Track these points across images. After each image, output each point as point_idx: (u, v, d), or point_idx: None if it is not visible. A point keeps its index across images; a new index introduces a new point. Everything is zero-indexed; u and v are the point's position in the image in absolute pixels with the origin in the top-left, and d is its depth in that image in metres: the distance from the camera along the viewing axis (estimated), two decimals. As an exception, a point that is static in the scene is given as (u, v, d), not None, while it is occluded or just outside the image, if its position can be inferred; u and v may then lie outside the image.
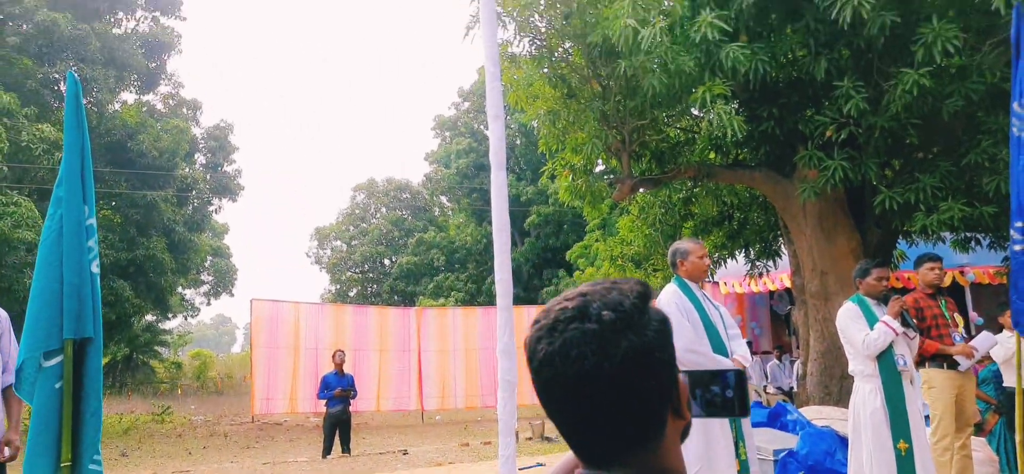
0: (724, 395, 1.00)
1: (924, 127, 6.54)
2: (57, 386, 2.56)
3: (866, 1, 5.44)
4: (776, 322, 15.42)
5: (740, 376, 1.00)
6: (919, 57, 5.60)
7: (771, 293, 13.93)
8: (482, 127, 31.91)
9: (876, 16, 5.64)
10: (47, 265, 2.51)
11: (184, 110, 23.14)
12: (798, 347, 11.07)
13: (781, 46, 6.62)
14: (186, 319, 33.56)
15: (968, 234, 7.39)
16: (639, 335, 0.82)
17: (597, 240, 20.71)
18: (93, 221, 2.57)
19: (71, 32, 17.77)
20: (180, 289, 26.91)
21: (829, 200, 7.44)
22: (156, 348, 29.82)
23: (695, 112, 8.52)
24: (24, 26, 18.26)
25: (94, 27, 18.67)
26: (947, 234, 7.25)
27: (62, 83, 18.73)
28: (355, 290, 35.68)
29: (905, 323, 4.45)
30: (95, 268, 2.58)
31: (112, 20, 20.49)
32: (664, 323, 0.86)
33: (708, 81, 6.35)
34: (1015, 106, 3.33)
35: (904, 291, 7.11)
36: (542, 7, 7.80)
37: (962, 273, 10.40)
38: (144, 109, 21.65)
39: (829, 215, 7.61)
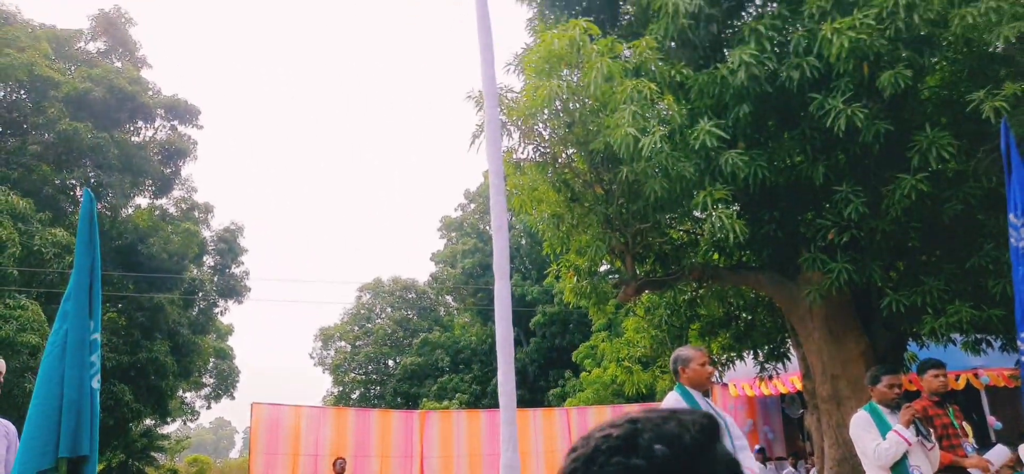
0: None
1: (925, 230, 6.59)
2: (48, 507, 2.49)
3: (859, 111, 5.62)
4: (789, 426, 14.98)
5: None
6: (914, 163, 5.72)
7: (782, 396, 13.61)
8: (487, 228, 32.28)
9: (870, 124, 5.80)
10: (48, 381, 2.50)
11: (196, 213, 23.60)
12: (812, 454, 10.71)
13: (779, 152, 6.78)
14: (185, 423, 32.90)
15: (978, 336, 7.30)
16: None
17: (603, 340, 20.49)
18: (97, 336, 2.58)
19: (91, 140, 18.41)
20: (181, 392, 26.54)
21: (836, 303, 7.40)
22: (153, 454, 29.07)
23: (697, 214, 8.64)
24: (46, 135, 18.95)
25: (113, 135, 19.36)
26: (957, 336, 7.16)
27: (78, 189, 19.23)
28: (358, 392, 35.09)
29: (919, 432, 4.33)
30: (96, 383, 2.57)
31: (131, 128, 21.28)
32: (734, 468, 0.71)
33: (708, 186, 6.48)
34: (1011, 218, 3.38)
35: (918, 395, 6.95)
36: (545, 117, 8.06)
37: (976, 375, 10.17)
38: (157, 213, 22.11)
39: (837, 318, 7.55)
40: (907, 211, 6.13)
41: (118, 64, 21.98)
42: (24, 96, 19.33)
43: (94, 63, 21.34)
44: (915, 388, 9.42)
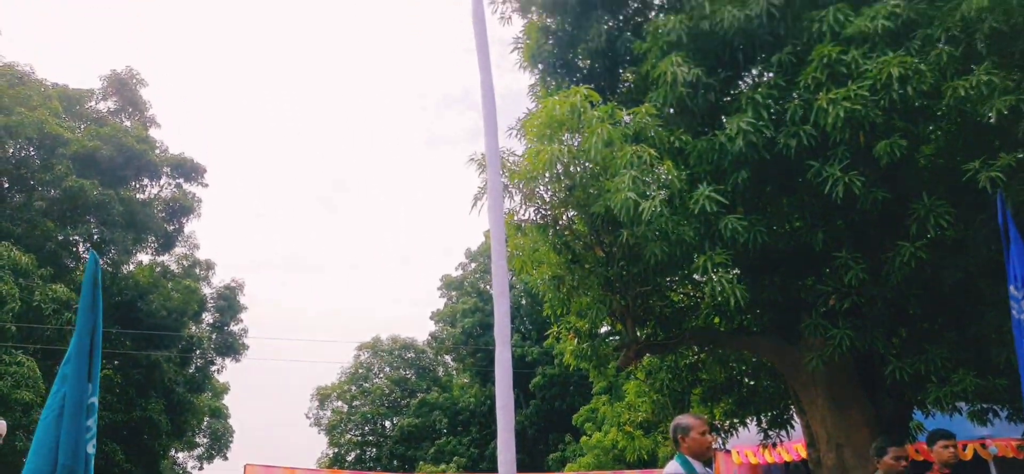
0: None
1: (926, 297, 6.59)
2: None
3: (856, 179, 5.69)
4: (795, 495, 14.60)
5: None
6: (913, 231, 5.76)
7: (787, 464, 13.32)
8: (488, 287, 32.25)
9: (867, 192, 5.87)
10: (43, 445, 2.47)
11: (197, 270, 23.64)
12: (820, 524, 10.40)
13: (778, 217, 6.84)
14: (176, 485, 32.14)
15: (984, 405, 7.21)
16: None
17: (604, 404, 20.21)
18: (95, 400, 2.56)
19: (97, 197, 18.60)
20: (173, 452, 26.03)
21: (838, 369, 7.33)
22: (142, 517, 28.29)
23: (698, 278, 8.64)
24: (52, 191, 19.14)
25: (119, 192, 19.56)
26: (962, 405, 7.07)
27: (81, 245, 19.32)
28: (354, 454, 34.40)
29: (929, 506, 4.24)
30: (91, 448, 2.53)
31: (137, 185, 21.51)
32: None
33: (708, 250, 6.51)
34: (1011, 290, 3.40)
35: (926, 464, 6.81)
36: (547, 179, 8.16)
37: (984, 446, 9.97)
38: (158, 269, 22.15)
39: (840, 385, 7.47)
40: (907, 278, 6.14)
41: (127, 123, 22.38)
42: (32, 153, 19.61)
43: (104, 121, 21.73)
44: (921, 459, 9.24)
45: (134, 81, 22.70)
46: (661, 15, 8.26)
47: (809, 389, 7.64)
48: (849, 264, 6.19)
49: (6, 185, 19.76)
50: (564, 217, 8.48)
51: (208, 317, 24.59)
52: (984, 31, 5.45)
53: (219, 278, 24.56)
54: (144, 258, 22.17)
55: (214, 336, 23.92)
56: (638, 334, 8.24)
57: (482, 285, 32.69)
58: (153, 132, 22.57)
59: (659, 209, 6.26)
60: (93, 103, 22.33)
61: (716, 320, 8.99)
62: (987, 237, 6.05)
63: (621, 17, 9.10)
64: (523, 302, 30.09)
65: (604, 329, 9.79)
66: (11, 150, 19.25)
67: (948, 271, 6.13)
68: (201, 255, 24.33)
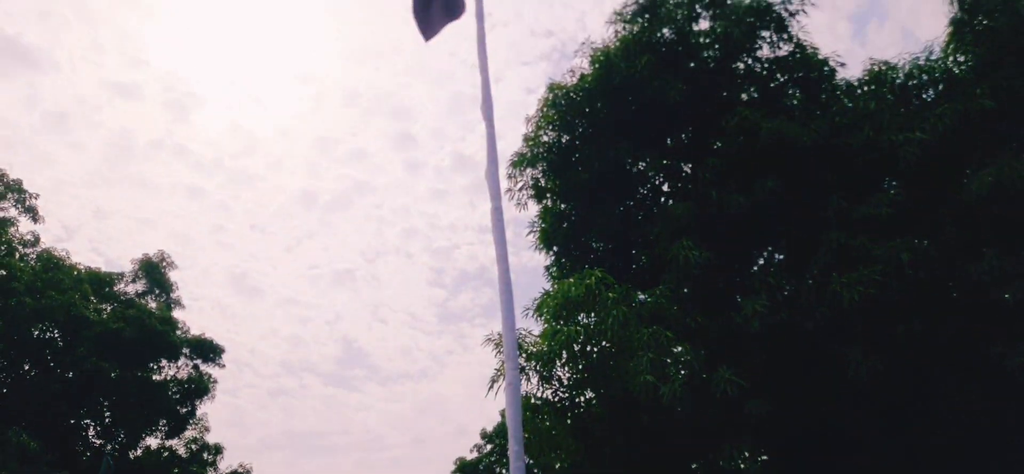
0: None
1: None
2: None
3: (879, 363, 5.60)
4: None
5: None
6: (948, 420, 5.56)
7: None
8: (504, 471, 30.82)
9: (891, 374, 5.75)
10: None
11: (205, 455, 22.98)
12: None
13: (802, 400, 6.66)
14: None
15: None
16: None
17: None
18: None
19: (114, 379, 18.60)
20: None
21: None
22: None
23: (723, 463, 8.25)
24: (70, 373, 19.22)
25: (136, 374, 19.57)
26: None
27: (92, 428, 19.02)
28: None
29: None
30: None
31: (155, 367, 21.55)
32: None
33: (733, 435, 6.29)
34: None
35: None
36: (564, 359, 8.12)
37: None
38: (165, 455, 21.59)
39: None
40: (947, 464, 5.83)
41: (152, 305, 22.88)
42: (57, 335, 19.93)
43: (130, 303, 22.24)
44: None
45: (164, 264, 23.51)
46: (670, 201, 8.63)
47: None
48: (883, 453, 5.92)
49: (26, 366, 19.90)
50: (582, 399, 8.31)
51: (212, 509, 23.47)
52: (989, 216, 5.60)
53: (227, 463, 23.75)
54: (153, 442, 21.67)
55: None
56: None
57: (498, 469, 31.25)
58: (176, 313, 22.99)
59: (679, 392, 6.15)
60: (122, 285, 23.00)
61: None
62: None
63: (631, 202, 9.51)
64: (541, 488, 28.58)
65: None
66: (36, 333, 19.62)
67: (990, 460, 5.82)
68: (211, 437, 23.71)
